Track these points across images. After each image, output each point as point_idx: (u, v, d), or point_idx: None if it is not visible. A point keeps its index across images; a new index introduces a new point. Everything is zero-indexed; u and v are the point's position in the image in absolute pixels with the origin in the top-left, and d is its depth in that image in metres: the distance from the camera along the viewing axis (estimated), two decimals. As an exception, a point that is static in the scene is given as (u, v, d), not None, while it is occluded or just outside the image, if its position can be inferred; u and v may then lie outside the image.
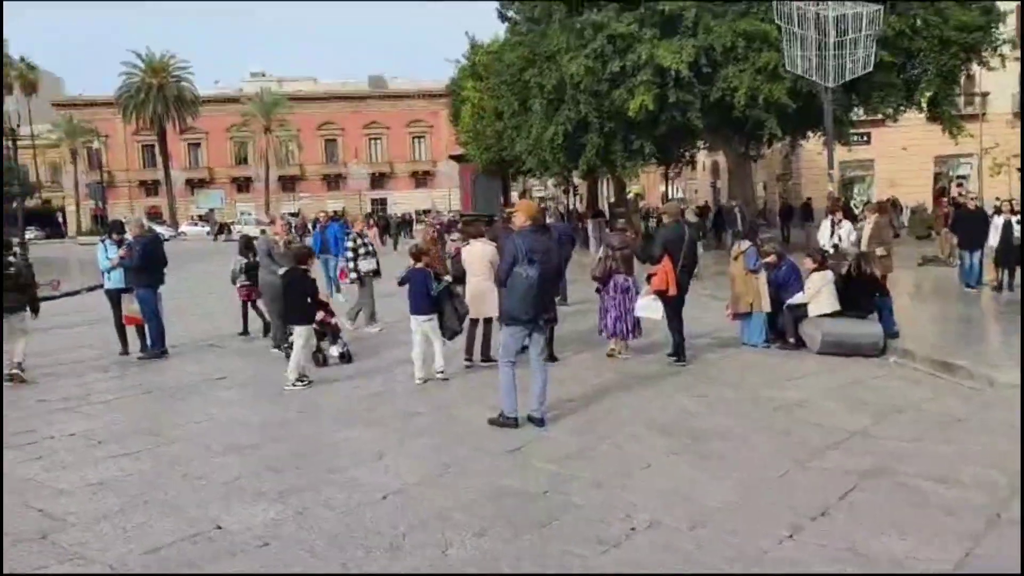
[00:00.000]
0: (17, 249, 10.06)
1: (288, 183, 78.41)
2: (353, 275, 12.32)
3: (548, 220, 10.28)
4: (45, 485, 5.68)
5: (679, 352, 9.22)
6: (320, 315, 9.35)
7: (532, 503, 5.09)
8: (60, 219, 72.56)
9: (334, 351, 9.63)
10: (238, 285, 12.25)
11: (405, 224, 46.95)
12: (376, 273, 12.46)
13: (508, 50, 27.43)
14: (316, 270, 10.29)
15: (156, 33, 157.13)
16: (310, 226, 29.21)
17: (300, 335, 8.64)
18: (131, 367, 10.23)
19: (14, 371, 9.26)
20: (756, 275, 9.83)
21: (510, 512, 4.93)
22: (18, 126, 26.42)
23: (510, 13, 28.82)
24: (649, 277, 9.21)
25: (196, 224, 66.49)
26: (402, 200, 74.40)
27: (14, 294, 9.34)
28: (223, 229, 59.65)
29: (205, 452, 6.35)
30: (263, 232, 14.50)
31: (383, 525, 4.77)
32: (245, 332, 12.23)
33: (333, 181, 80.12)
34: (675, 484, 5.34)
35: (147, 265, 10.52)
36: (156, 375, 9.66)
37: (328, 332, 9.67)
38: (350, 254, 12.35)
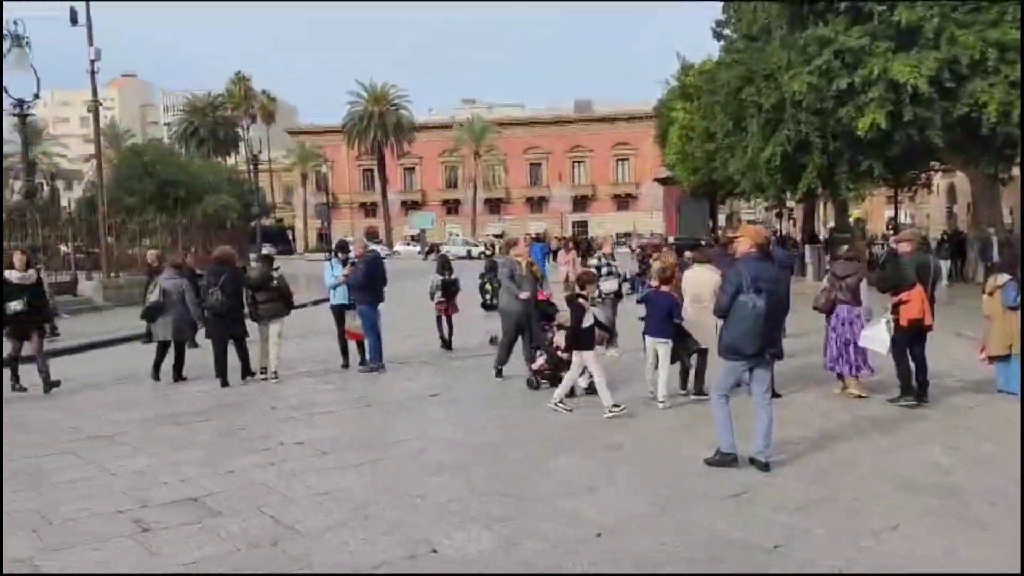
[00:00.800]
0: (279, 265, 11.22)
1: (494, 205, 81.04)
2: (595, 292, 11.77)
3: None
4: (276, 491, 5.95)
5: (921, 393, 8.28)
6: (557, 340, 9.01)
7: (761, 558, 4.63)
8: (290, 236, 79.19)
9: (582, 382, 8.69)
10: (435, 301, 13.11)
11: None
12: (618, 295, 12.11)
13: (723, 69, 26.65)
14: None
15: (381, 65, 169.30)
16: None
17: (590, 361, 8.23)
18: (352, 380, 10.71)
19: (266, 375, 10.49)
20: (1016, 312, 8.65)
21: (738, 566, 4.51)
22: (259, 152, 29.01)
23: (726, 31, 27.98)
24: (895, 306, 8.33)
25: (408, 244, 70.23)
26: (603, 222, 74.52)
27: (279, 303, 10.58)
28: (433, 249, 62.52)
29: (420, 471, 6.41)
30: (500, 252, 15.10)
31: (604, 566, 4.52)
32: (446, 347, 12.91)
33: (536, 203, 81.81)
34: (935, 552, 4.67)
35: (369, 283, 11.01)
36: (374, 389, 10.05)
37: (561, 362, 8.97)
38: (593, 272, 11.57)
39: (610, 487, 5.92)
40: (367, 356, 11.23)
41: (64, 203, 48.65)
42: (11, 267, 10.06)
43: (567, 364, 8.73)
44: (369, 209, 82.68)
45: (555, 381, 8.92)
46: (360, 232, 69.57)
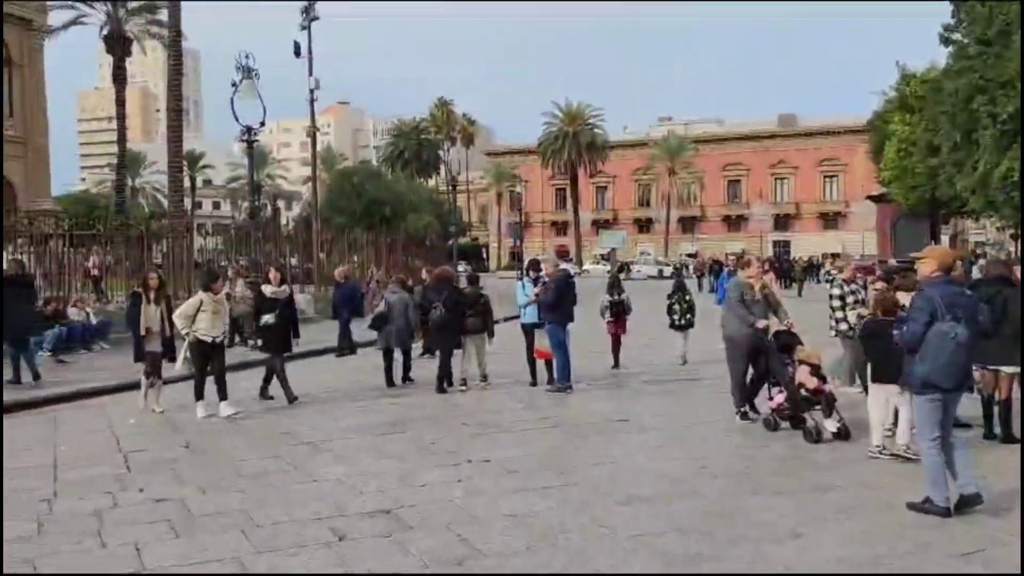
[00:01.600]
0: (483, 284, 12.21)
1: (688, 224, 79.37)
2: (843, 326, 10.24)
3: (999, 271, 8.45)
4: (464, 510, 5.95)
5: None
6: (813, 381, 8.09)
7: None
8: (484, 254, 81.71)
9: (830, 425, 7.92)
10: (606, 320, 13.23)
11: (812, 268, 44.28)
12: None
13: (951, 77, 24.48)
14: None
15: (577, 85, 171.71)
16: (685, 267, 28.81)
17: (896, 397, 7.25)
18: (539, 399, 10.69)
19: (477, 382, 11.34)
20: None
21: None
22: (458, 173, 30.11)
23: (955, 36, 25.71)
24: None
25: (598, 262, 70.24)
26: (807, 242, 70.77)
27: (482, 319, 11.35)
28: (623, 268, 62.08)
29: (608, 499, 6.19)
30: (730, 272, 14.82)
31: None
32: (616, 365, 13.07)
33: (734, 222, 79.23)
34: None
35: (559, 303, 10.96)
36: (561, 410, 9.95)
37: (823, 401, 8.00)
38: (836, 303, 10.38)
39: (819, 535, 5.40)
40: (555, 376, 11.17)
41: (284, 221, 53.09)
42: (267, 282, 10.71)
43: (810, 403, 8.00)
44: (560, 228, 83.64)
45: (796, 421, 8.14)
46: (551, 251, 70.57)
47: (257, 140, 16.77)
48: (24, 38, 43.57)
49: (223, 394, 9.63)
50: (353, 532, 5.48)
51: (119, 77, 40.26)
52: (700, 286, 38.96)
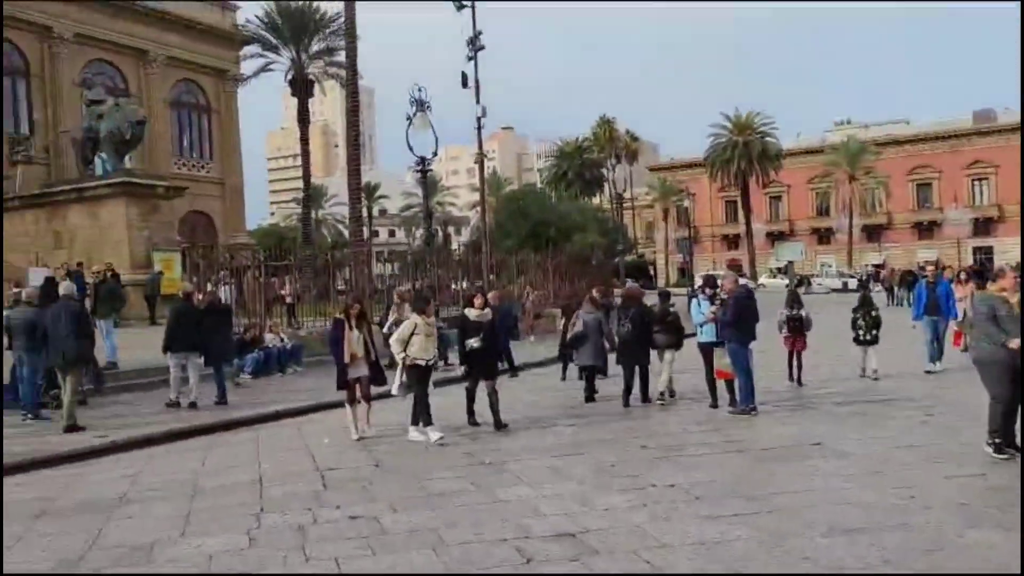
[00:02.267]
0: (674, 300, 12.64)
1: (872, 232, 74.73)
2: None
3: None
4: (650, 535, 5.78)
5: None
6: None
7: None
8: (651, 272, 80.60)
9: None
10: (783, 335, 13.09)
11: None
12: None
13: None
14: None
15: (744, 94, 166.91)
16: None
17: None
18: (722, 421, 10.29)
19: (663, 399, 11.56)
20: None
21: None
22: (623, 191, 29.94)
23: None
24: None
25: (774, 276, 67.44)
26: (1015, 247, 64.60)
27: (672, 335, 11.65)
28: (803, 282, 59.23)
29: (807, 529, 5.80)
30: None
31: None
32: (791, 379, 12.80)
33: (925, 229, 73.82)
34: None
35: (740, 320, 10.54)
36: (747, 432, 9.53)
37: None
38: None
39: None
40: (737, 397, 10.73)
41: (454, 246, 54.83)
42: (470, 305, 10.54)
43: None
44: (732, 241, 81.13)
45: None
46: (722, 265, 68.51)
47: (431, 169, 17.43)
48: (220, 86, 47.75)
49: (428, 420, 9.63)
50: (539, 555, 5.45)
51: (303, 117, 43.28)
52: (891, 299, 36.48)
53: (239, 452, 9.54)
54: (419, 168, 17.33)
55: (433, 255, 19.25)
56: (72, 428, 10.67)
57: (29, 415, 11.46)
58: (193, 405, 12.37)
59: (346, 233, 68.04)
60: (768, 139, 71.23)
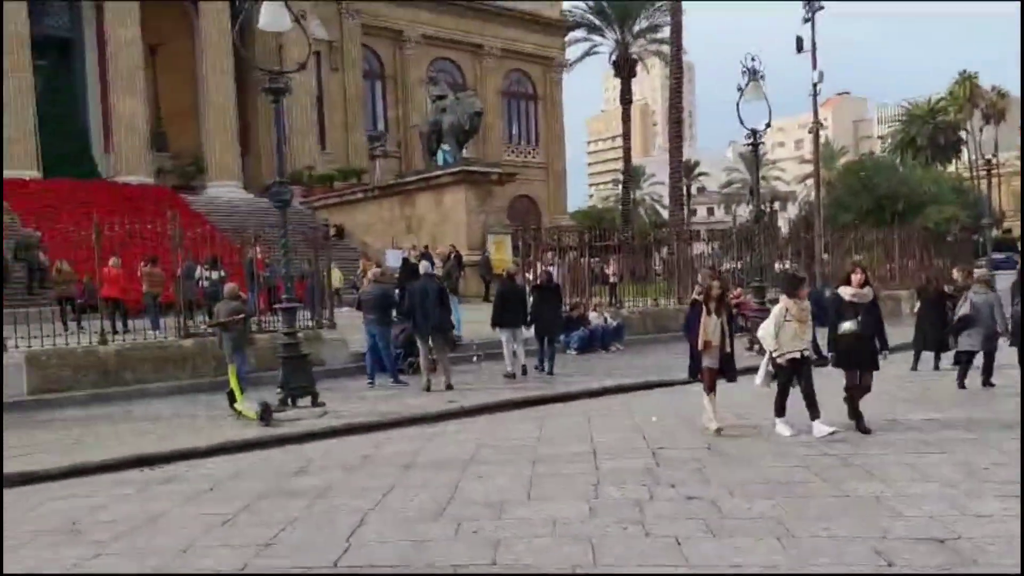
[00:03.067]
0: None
1: None
2: None
3: None
4: None
5: None
6: None
7: None
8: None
9: None
10: None
11: None
12: None
13: None
14: None
15: None
16: None
17: None
18: None
19: None
20: None
21: None
22: (993, 155, 26.41)
23: None
24: None
25: None
26: None
27: None
28: None
29: None
30: None
31: None
32: None
33: None
34: None
35: None
36: None
37: None
38: None
39: None
40: None
41: (780, 223, 52.21)
42: (846, 283, 9.04)
43: None
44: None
45: None
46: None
47: (762, 143, 16.65)
48: (546, 74, 50.05)
49: (815, 412, 8.57)
50: (901, 558, 4.91)
51: (625, 97, 43.86)
52: None
53: (572, 424, 9.87)
54: (750, 143, 16.61)
55: (760, 232, 18.42)
56: (430, 385, 12.26)
57: (391, 380, 12.98)
58: (524, 372, 13.52)
59: (663, 213, 67.99)
60: None
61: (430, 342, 12.69)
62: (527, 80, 50.03)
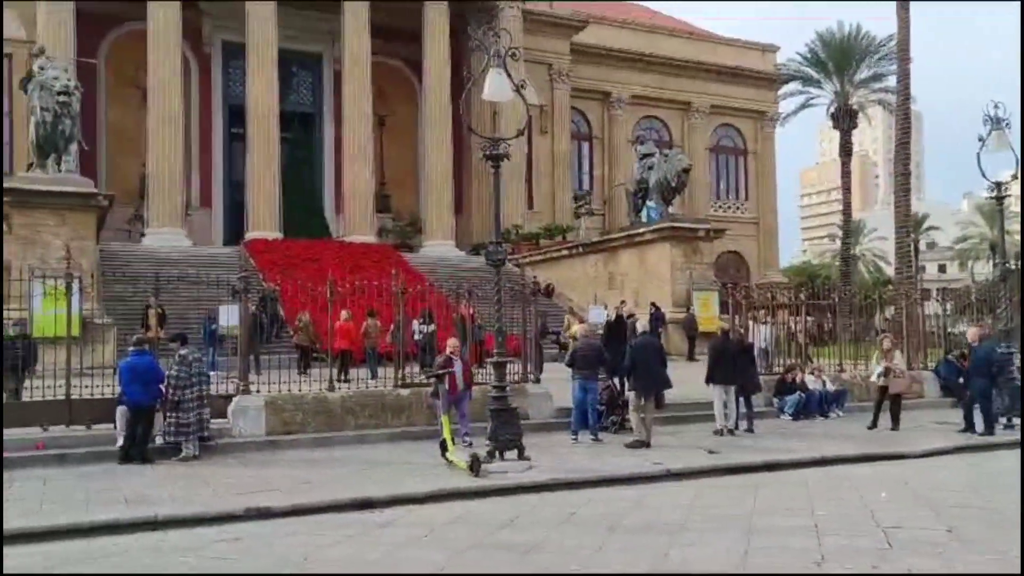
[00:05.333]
0: None
1: None
2: None
3: None
4: None
5: None
6: None
7: None
8: None
9: None
10: None
11: None
12: None
13: None
14: None
15: None
16: None
17: None
18: None
19: None
20: None
21: None
22: None
23: None
24: None
25: None
26: None
27: None
28: None
29: None
30: None
31: None
32: None
33: None
34: None
35: None
36: None
37: None
38: None
39: None
40: None
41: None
42: None
43: None
44: None
45: None
46: None
47: (1007, 195, 15.11)
48: (758, 128, 48.91)
49: None
50: None
51: (846, 148, 41.71)
52: None
53: (789, 494, 9.27)
54: (994, 196, 15.11)
55: (1007, 293, 16.55)
56: (639, 444, 12.18)
57: (592, 436, 12.95)
58: (731, 432, 13.45)
59: (887, 270, 63.42)
60: None
61: (642, 400, 12.55)
62: (737, 135, 49.13)
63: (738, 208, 48.86)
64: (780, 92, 47.67)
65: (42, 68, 22.92)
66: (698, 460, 11.34)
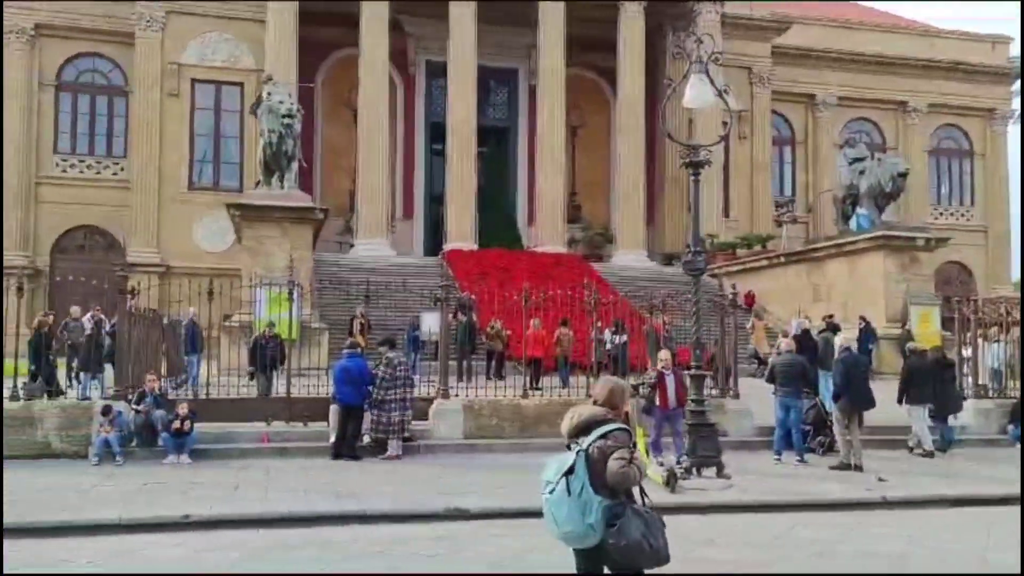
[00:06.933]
0: None
1: None
2: None
3: None
4: None
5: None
6: None
7: None
8: None
9: None
10: None
11: None
12: None
13: None
14: None
15: None
16: None
17: None
18: None
19: None
20: None
21: None
22: None
23: None
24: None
25: None
26: None
27: None
28: None
29: None
30: None
31: None
32: None
33: None
34: None
35: None
36: None
37: None
38: None
39: None
40: None
41: None
42: None
43: None
44: None
45: None
46: None
47: None
48: (986, 127, 44.57)
49: None
50: None
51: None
52: None
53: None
54: None
55: None
56: (845, 467, 11.56)
57: (797, 458, 12.17)
58: (930, 454, 12.79)
59: None
60: None
61: (846, 420, 11.73)
62: (961, 135, 45.04)
63: (962, 215, 44.74)
64: (1013, 88, 43.28)
65: (269, 93, 25.01)
66: (919, 489, 10.36)
